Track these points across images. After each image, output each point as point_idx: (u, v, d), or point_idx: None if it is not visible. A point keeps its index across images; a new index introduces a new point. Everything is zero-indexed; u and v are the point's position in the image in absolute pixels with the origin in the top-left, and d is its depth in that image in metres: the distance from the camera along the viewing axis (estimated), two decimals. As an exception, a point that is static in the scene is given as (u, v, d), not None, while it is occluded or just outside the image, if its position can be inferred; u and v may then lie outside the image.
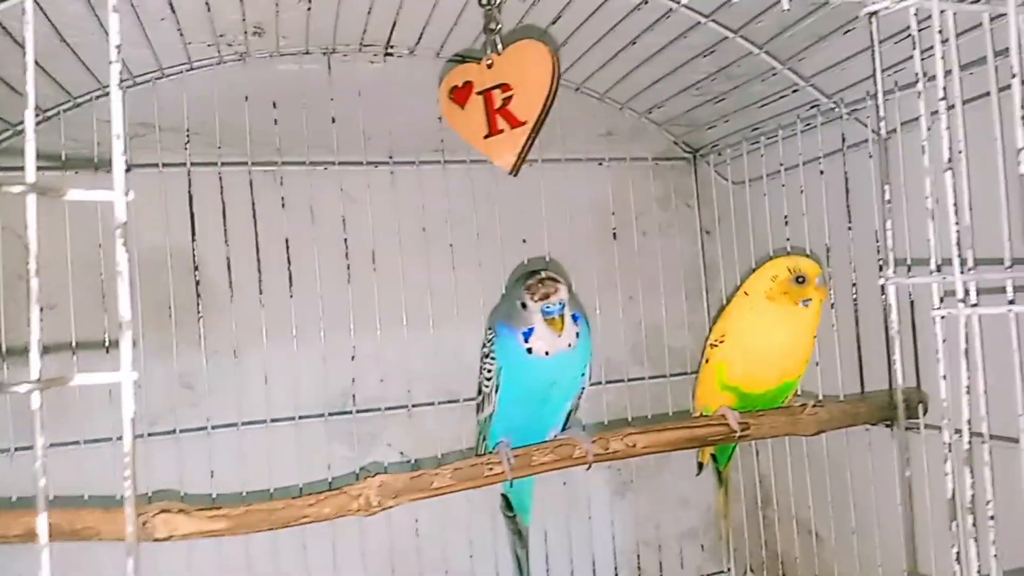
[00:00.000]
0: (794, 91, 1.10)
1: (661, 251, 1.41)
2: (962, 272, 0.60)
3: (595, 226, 1.37)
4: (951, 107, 0.63)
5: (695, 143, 1.45)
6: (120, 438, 0.39)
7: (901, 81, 0.97)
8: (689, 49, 1.09)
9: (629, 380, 1.38)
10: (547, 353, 0.89)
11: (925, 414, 0.99)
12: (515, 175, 0.82)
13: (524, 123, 0.79)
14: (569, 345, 0.89)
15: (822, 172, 1.13)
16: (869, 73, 1.02)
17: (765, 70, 1.08)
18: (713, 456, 1.16)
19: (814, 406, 1.01)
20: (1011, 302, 0.61)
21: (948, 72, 0.62)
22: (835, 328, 1.10)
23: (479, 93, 0.82)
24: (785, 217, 1.20)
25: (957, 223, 0.59)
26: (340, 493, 0.79)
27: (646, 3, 0.96)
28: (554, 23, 1.04)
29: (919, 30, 0.64)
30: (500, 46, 0.80)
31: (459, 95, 0.84)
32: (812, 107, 1.12)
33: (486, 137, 0.81)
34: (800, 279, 0.96)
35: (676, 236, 1.44)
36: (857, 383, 1.10)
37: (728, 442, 0.98)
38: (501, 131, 0.80)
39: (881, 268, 1.00)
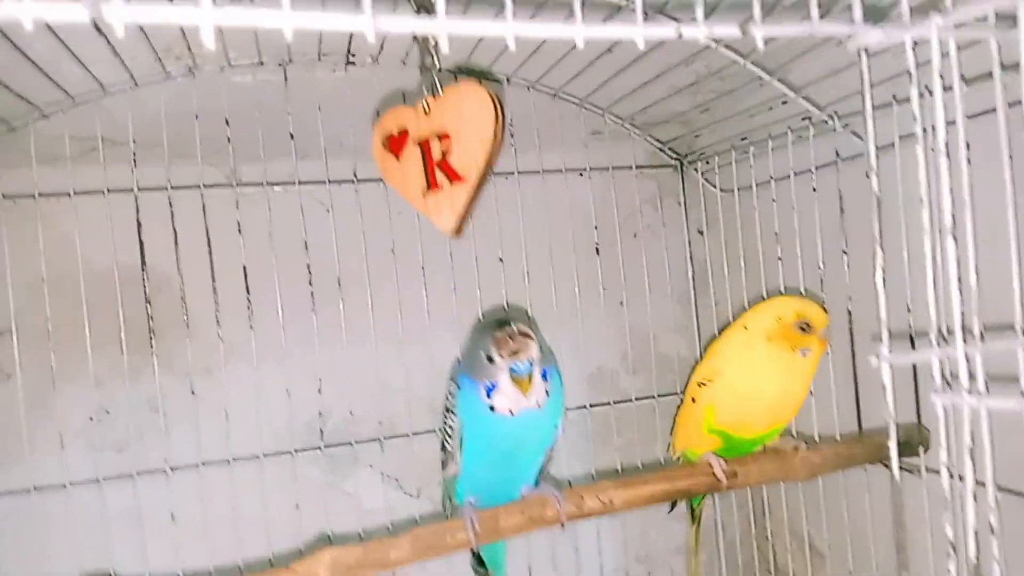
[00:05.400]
0: (783, 103, 1.01)
1: (650, 255, 1.33)
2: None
3: (579, 239, 1.29)
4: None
5: (682, 150, 1.36)
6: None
7: (901, 94, 0.88)
8: (671, 55, 1.01)
9: (615, 403, 1.31)
10: (511, 412, 0.81)
11: (926, 452, 0.93)
12: (459, 237, 0.73)
13: (464, 179, 0.68)
14: (537, 404, 0.81)
15: (815, 189, 1.05)
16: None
17: (752, 79, 0.99)
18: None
19: (807, 449, 0.94)
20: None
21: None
22: (830, 359, 1.03)
23: (416, 143, 0.71)
24: (776, 234, 1.12)
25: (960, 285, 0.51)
26: (286, 572, 0.72)
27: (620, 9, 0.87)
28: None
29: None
30: (439, 88, 0.70)
31: (395, 144, 0.73)
32: (804, 119, 1.03)
33: (425, 194, 0.71)
34: (805, 327, 0.89)
35: (665, 239, 1.37)
36: (854, 420, 1.03)
37: (714, 491, 0.91)
38: (440, 187, 0.70)
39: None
